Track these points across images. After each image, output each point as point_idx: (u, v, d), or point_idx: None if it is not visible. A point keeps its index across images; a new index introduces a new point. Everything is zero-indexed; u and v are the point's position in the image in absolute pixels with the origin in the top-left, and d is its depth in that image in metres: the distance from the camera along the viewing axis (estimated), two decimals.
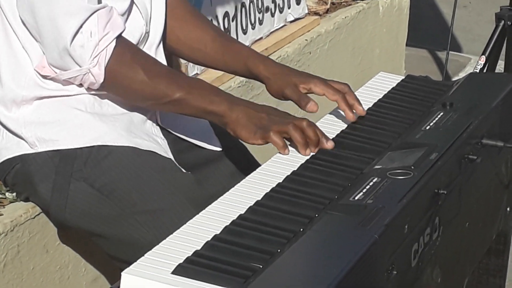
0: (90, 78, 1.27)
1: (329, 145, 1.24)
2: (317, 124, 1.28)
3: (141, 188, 1.31)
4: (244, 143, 1.44)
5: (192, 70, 2.01)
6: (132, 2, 1.35)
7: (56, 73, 1.27)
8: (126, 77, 1.29)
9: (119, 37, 1.27)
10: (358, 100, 1.35)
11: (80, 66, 1.25)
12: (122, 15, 1.35)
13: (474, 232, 1.43)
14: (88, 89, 1.35)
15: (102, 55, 1.25)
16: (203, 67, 1.94)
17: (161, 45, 1.43)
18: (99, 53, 1.25)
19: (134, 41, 1.36)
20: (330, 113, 1.39)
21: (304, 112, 1.37)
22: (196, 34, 1.48)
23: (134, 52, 1.31)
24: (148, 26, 1.39)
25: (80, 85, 1.33)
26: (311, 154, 1.22)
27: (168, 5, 1.44)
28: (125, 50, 1.29)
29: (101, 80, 1.27)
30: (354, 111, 1.34)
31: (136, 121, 1.38)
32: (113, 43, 1.25)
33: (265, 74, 1.39)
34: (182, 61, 1.93)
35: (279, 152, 1.23)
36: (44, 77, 1.32)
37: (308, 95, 1.39)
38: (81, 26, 1.23)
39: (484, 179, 1.45)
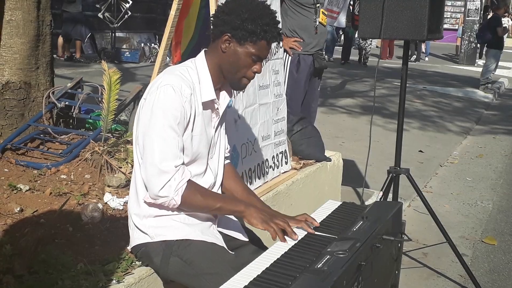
0: (172, 202, 1.65)
1: (294, 237, 1.56)
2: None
3: (208, 261, 1.68)
4: (255, 231, 1.76)
5: None
6: (207, 166, 1.72)
7: (155, 199, 1.66)
8: (191, 199, 1.67)
9: (188, 180, 1.66)
10: (314, 219, 1.68)
11: (168, 196, 1.64)
12: (200, 174, 1.74)
13: (379, 284, 1.67)
14: (179, 210, 1.65)
15: (180, 190, 1.64)
16: None
17: (220, 187, 1.79)
18: (178, 189, 1.64)
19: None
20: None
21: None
22: (233, 186, 1.89)
23: (195, 186, 1.68)
24: (215, 180, 1.75)
25: (179, 209, 1.70)
26: (294, 242, 1.55)
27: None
28: (191, 186, 1.66)
29: (179, 203, 1.66)
30: (312, 226, 1.65)
31: (206, 226, 1.78)
32: (186, 184, 1.65)
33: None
34: None
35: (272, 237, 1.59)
36: (149, 203, 1.65)
37: None
38: (172, 176, 1.60)
39: (384, 256, 1.68)
